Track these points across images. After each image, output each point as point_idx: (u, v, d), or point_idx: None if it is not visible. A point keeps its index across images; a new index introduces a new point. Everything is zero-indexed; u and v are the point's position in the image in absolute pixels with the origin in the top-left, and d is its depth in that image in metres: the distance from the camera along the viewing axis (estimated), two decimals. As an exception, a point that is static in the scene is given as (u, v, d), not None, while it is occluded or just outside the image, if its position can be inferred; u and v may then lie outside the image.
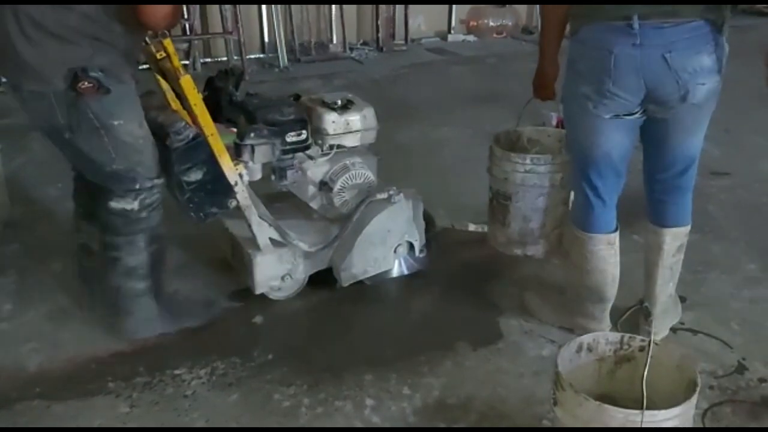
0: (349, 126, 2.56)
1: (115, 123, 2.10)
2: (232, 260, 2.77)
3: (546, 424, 2.06)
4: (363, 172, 2.68)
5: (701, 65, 1.98)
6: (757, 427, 2.10)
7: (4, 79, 2.12)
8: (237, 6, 5.72)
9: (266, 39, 6.25)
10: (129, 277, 2.33)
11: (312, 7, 6.33)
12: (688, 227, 2.35)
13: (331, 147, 2.60)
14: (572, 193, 2.52)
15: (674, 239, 2.33)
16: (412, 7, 6.76)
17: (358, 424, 2.10)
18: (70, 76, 1.99)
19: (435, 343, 2.45)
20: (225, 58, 5.90)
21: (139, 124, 2.18)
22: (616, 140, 2.15)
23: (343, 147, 2.62)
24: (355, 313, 2.66)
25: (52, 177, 3.72)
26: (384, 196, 2.66)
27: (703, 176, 3.62)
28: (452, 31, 7.12)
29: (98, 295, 2.48)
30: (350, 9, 6.50)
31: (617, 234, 2.31)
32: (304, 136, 2.50)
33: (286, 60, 5.99)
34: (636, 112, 2.09)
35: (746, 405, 2.17)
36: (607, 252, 2.29)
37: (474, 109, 4.97)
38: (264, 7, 6.09)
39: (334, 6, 6.35)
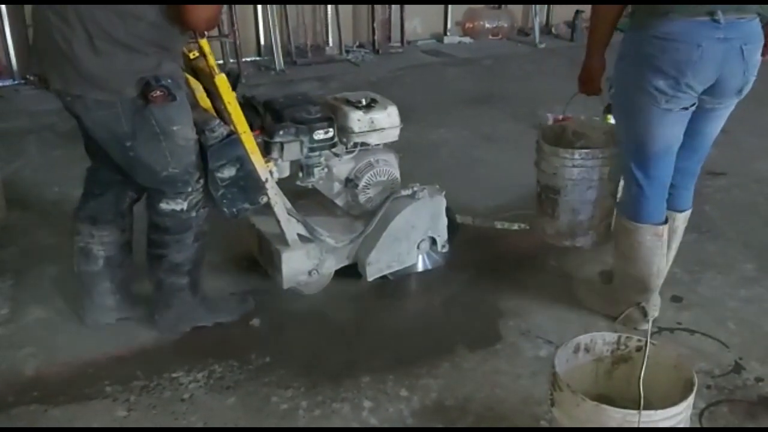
0: (374, 124, 2.63)
1: (174, 128, 2.15)
2: (259, 256, 2.80)
3: (544, 424, 2.06)
4: (387, 169, 2.74)
5: (758, 58, 2.16)
6: (755, 427, 2.11)
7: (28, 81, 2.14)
8: (233, 9, 5.72)
9: (262, 42, 6.24)
10: (172, 273, 2.39)
11: (308, 10, 6.33)
12: (691, 209, 2.52)
13: (356, 145, 2.66)
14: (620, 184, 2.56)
15: (684, 222, 2.51)
16: (408, 9, 6.75)
17: (356, 426, 2.10)
18: (142, 85, 2.03)
19: (433, 344, 2.45)
20: (221, 61, 5.89)
21: (191, 128, 2.23)
22: (678, 132, 2.25)
23: (367, 145, 2.68)
24: (352, 315, 2.67)
25: (48, 181, 3.73)
26: (408, 192, 2.72)
27: (700, 176, 3.63)
28: (448, 33, 7.12)
29: (97, 298, 2.48)
30: (346, 11, 6.50)
31: (666, 226, 2.37)
32: (331, 134, 2.56)
33: (282, 63, 5.99)
34: (695, 103, 2.19)
35: (743, 404, 2.18)
36: (653, 243, 2.35)
37: (470, 110, 4.98)
38: (260, 9, 6.08)
39: (330, 8, 6.35)
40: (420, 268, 2.87)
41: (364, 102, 2.65)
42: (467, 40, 7.09)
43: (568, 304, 2.67)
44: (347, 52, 6.43)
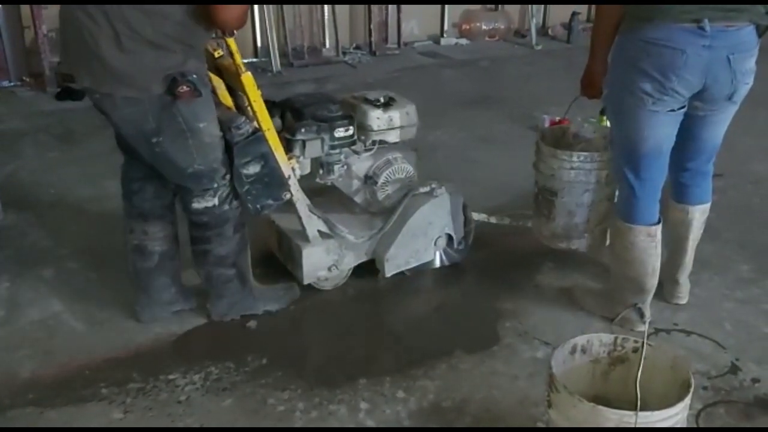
0: (392, 122, 2.67)
1: (201, 125, 2.19)
2: (278, 253, 2.84)
3: (540, 426, 2.06)
4: (404, 167, 2.80)
5: (750, 66, 2.17)
6: (751, 427, 2.11)
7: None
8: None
9: (259, 43, 6.24)
10: (218, 265, 2.45)
11: (305, 12, 6.33)
12: (710, 202, 2.56)
13: (374, 143, 2.71)
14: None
15: (702, 214, 2.55)
16: (404, 11, 6.76)
17: (353, 427, 2.10)
18: (168, 81, 2.07)
19: (430, 345, 2.45)
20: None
21: (216, 125, 2.26)
22: (667, 133, 2.27)
23: (385, 143, 2.72)
24: (349, 317, 2.66)
25: (44, 182, 3.72)
26: (426, 189, 2.76)
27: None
28: (445, 35, 7.13)
29: (154, 294, 2.51)
30: (343, 13, 6.50)
31: (659, 227, 2.39)
32: (351, 132, 2.61)
33: (279, 64, 5.98)
34: (685, 106, 2.22)
35: (740, 405, 2.18)
36: (647, 243, 2.38)
37: (467, 111, 4.98)
38: (257, 11, 6.09)
39: (326, 10, 6.35)
40: (437, 264, 2.90)
41: (382, 100, 2.70)
42: (464, 41, 7.10)
43: (565, 305, 2.68)
44: (344, 53, 6.44)
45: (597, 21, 2.34)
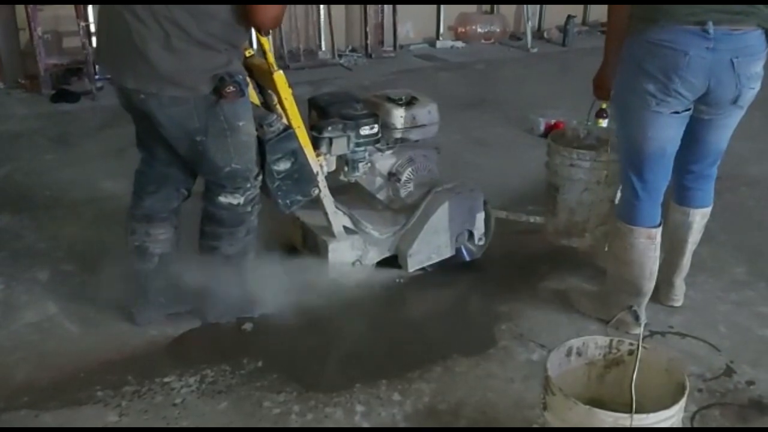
0: (416, 121, 2.71)
1: (240, 124, 2.23)
2: (302, 248, 2.88)
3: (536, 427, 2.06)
4: (427, 164, 2.84)
5: (756, 71, 2.16)
6: (746, 428, 2.12)
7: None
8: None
9: (255, 46, 6.24)
10: (223, 264, 2.45)
11: (300, 14, 6.33)
12: (712, 206, 2.57)
13: (396, 141, 2.75)
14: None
15: (703, 218, 2.56)
16: (400, 14, 6.77)
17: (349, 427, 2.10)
18: (216, 81, 2.10)
19: (426, 348, 2.45)
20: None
21: (252, 123, 2.30)
22: (670, 135, 2.27)
23: (408, 140, 2.76)
24: (344, 319, 2.66)
25: (39, 184, 3.71)
26: (448, 186, 2.81)
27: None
28: (441, 38, 7.14)
29: (151, 296, 2.50)
30: (339, 16, 6.51)
31: (659, 230, 2.39)
32: (376, 130, 2.66)
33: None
34: (690, 108, 2.23)
35: (734, 407, 2.19)
36: (646, 246, 2.38)
37: (463, 114, 4.98)
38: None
39: (322, 12, 6.36)
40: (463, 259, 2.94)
41: (404, 99, 2.74)
42: (459, 44, 7.11)
43: (561, 307, 2.68)
44: (340, 56, 6.44)
45: (609, 22, 2.37)
